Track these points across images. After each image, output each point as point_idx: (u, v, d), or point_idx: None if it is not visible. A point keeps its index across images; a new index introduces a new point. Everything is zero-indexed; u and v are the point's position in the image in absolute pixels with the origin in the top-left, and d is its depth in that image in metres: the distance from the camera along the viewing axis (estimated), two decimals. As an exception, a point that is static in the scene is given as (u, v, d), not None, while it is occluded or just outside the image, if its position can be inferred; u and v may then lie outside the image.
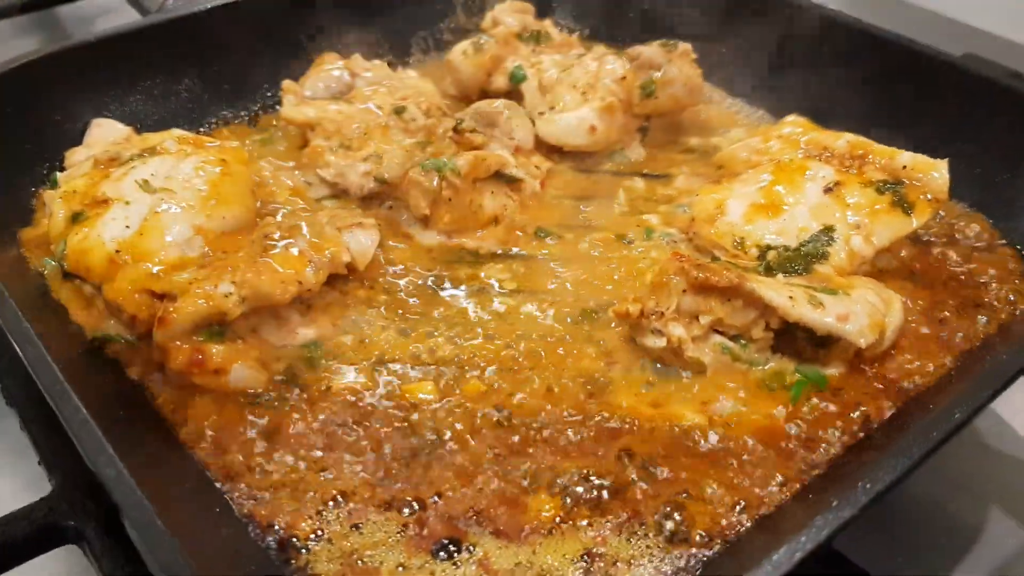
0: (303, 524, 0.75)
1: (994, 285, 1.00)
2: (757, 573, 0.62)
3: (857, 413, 0.86)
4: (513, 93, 1.27)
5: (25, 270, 0.98)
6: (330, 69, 1.22)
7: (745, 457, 0.81)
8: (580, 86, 1.20)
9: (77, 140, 1.13)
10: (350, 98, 1.19)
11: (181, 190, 0.96)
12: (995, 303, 0.98)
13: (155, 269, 0.90)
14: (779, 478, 0.80)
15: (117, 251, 0.91)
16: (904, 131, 1.11)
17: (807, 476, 0.80)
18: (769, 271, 0.93)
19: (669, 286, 0.87)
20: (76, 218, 0.96)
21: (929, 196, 0.98)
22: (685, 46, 1.23)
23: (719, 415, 0.85)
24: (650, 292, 0.89)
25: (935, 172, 0.98)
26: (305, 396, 0.87)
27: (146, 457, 0.74)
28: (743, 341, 0.89)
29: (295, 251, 0.92)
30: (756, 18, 1.31)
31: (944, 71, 1.13)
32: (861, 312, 0.86)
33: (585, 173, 1.19)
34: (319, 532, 0.75)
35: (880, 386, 0.88)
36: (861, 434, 0.84)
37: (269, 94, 1.30)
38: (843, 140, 1.04)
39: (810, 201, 0.98)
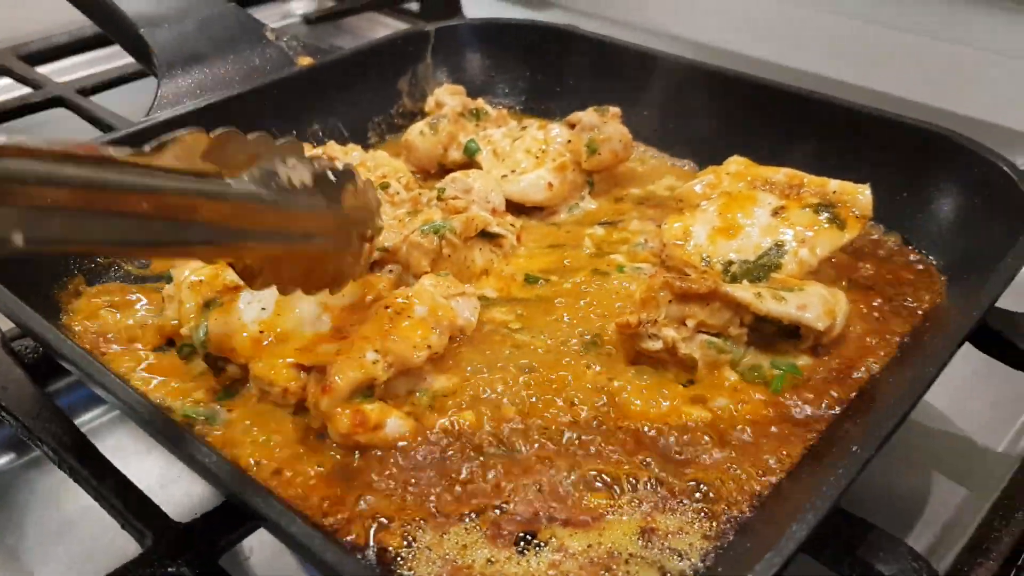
0: (395, 539, 0.86)
1: (912, 284, 1.20)
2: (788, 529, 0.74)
3: (828, 396, 1.02)
4: (467, 165, 1.42)
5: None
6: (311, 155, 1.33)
7: (747, 439, 0.96)
8: (534, 151, 1.37)
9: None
10: (332, 180, 1.30)
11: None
12: (915, 299, 1.17)
13: (298, 345, 1.00)
14: (783, 453, 0.95)
15: (261, 332, 1.01)
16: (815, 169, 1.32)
17: (804, 449, 0.95)
18: (735, 280, 1.10)
19: (657, 299, 1.03)
20: (209, 305, 1.05)
21: (857, 213, 1.17)
22: (615, 109, 1.41)
23: (718, 409, 1.00)
24: (640, 307, 1.04)
25: (860, 194, 1.18)
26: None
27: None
28: (724, 337, 1.05)
29: (418, 318, 1.02)
30: (669, 84, 1.51)
31: (842, 114, 1.34)
32: (816, 302, 1.04)
33: (552, 226, 1.35)
34: (412, 542, 0.85)
35: (841, 373, 1.05)
36: (838, 410, 1.00)
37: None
38: (781, 173, 1.23)
39: (761, 223, 1.16)
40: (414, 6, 2.34)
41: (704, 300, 1.04)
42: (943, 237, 1.25)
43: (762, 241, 1.15)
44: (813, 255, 1.14)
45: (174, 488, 1.06)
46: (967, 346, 1.08)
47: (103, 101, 1.70)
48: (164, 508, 0.92)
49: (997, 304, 1.06)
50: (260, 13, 2.22)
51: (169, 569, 0.85)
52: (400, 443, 0.96)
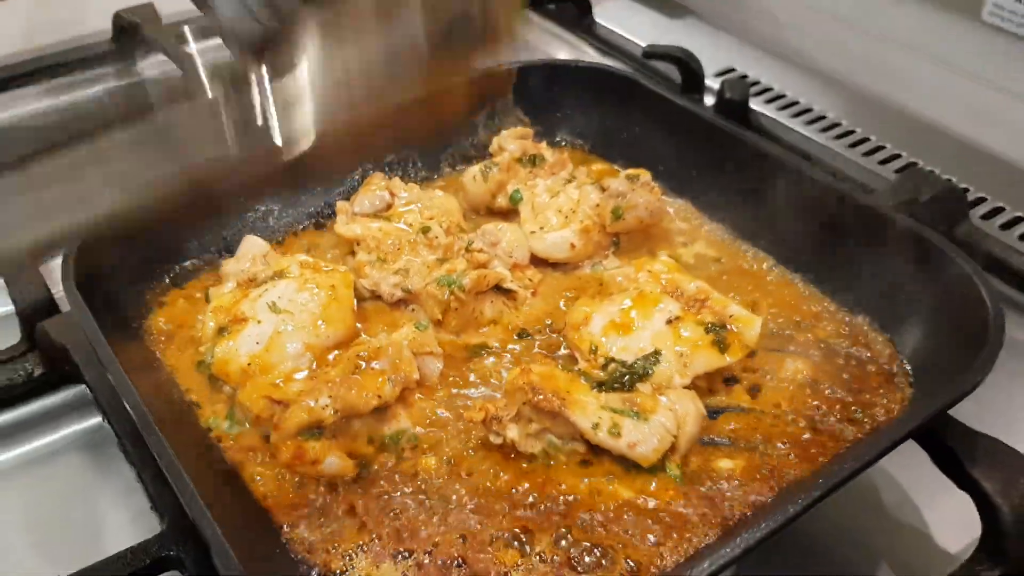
0: (337, 563, 1.07)
1: (878, 392, 1.26)
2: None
3: (755, 491, 1.12)
4: (511, 211, 1.59)
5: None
6: (374, 189, 1.54)
7: (665, 517, 1.10)
8: (564, 211, 1.51)
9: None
10: (389, 215, 1.51)
11: (299, 312, 1.27)
12: (867, 409, 1.23)
13: (275, 380, 1.20)
14: (696, 539, 1.07)
15: (249, 364, 1.23)
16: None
17: (726, 525, 1.08)
18: (606, 381, 1.21)
19: (515, 396, 1.16)
20: (222, 331, 1.27)
21: (742, 342, 1.25)
22: (646, 177, 1.52)
23: (647, 489, 1.13)
24: (504, 394, 1.19)
25: (751, 326, 1.27)
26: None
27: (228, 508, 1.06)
28: (566, 441, 1.18)
29: (378, 369, 1.21)
30: (715, 149, 1.60)
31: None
32: (652, 437, 1.13)
33: (574, 278, 1.49)
34: (349, 567, 1.06)
35: (773, 472, 1.15)
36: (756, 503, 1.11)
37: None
38: (694, 284, 1.32)
39: (654, 328, 1.26)
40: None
41: (550, 415, 1.15)
42: (925, 344, 1.29)
43: (647, 346, 1.24)
44: (685, 371, 1.22)
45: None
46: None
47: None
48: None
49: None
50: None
51: (171, 552, 1.07)
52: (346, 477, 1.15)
